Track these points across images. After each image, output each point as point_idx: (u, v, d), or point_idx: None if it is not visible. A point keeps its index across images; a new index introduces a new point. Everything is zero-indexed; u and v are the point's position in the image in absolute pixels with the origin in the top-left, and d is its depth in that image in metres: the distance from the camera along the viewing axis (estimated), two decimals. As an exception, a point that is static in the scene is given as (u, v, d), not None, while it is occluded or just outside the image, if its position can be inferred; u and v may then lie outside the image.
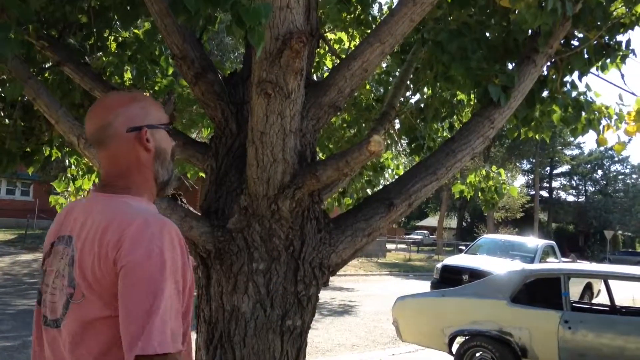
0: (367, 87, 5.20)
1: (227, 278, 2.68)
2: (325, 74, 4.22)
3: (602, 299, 11.56)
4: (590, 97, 3.53)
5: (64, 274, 1.35)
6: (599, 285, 12.75)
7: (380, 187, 4.48)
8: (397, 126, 4.77)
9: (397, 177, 4.51)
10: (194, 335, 2.83)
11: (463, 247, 18.24)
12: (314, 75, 4.38)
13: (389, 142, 4.76)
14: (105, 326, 1.29)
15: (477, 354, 6.01)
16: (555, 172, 56.86)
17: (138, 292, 1.24)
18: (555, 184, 57.98)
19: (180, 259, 1.32)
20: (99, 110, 1.47)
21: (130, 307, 1.23)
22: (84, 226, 1.36)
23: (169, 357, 1.23)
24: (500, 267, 10.80)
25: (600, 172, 56.98)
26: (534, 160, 49.47)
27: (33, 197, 31.01)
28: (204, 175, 3.98)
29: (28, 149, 3.62)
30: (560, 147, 49.91)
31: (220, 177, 2.87)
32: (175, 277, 1.29)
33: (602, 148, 56.04)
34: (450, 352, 6.28)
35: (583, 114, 3.48)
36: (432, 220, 55.74)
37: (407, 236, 47.39)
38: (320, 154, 4.71)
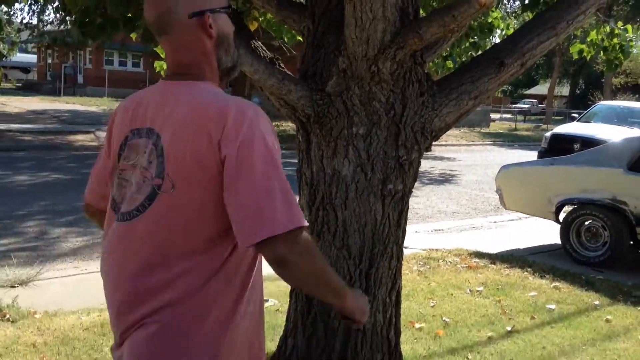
0: None
1: (327, 142, 2.66)
2: None
3: None
4: None
5: (148, 166, 1.31)
6: None
7: (488, 49, 4.15)
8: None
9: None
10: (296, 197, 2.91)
11: (575, 116, 17.19)
12: None
13: (499, -4, 4.35)
14: (208, 213, 1.28)
15: (587, 222, 5.81)
16: (688, 29, 50.84)
17: (254, 176, 1.23)
18: (687, 43, 52.10)
19: (277, 140, 1.32)
20: None
21: (247, 192, 1.22)
22: (168, 116, 1.32)
23: (304, 230, 1.24)
24: (617, 135, 10.09)
25: None
26: (663, 18, 44.26)
27: (143, 69, 32.49)
28: (301, 39, 3.87)
29: (130, 15, 3.63)
30: (697, 2, 44.04)
31: (318, 38, 2.75)
32: (279, 159, 1.28)
33: None
34: (557, 221, 6.12)
35: None
36: (541, 89, 52.61)
37: (514, 105, 45.31)
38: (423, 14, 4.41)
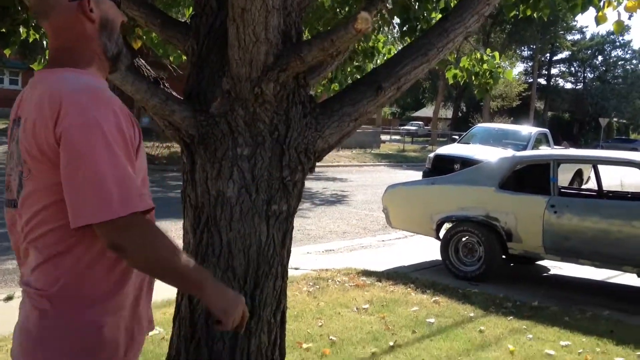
0: (360, -35, 4.89)
1: (212, 163, 2.64)
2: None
3: (591, 185, 11.75)
4: (593, -28, 3.32)
5: (15, 154, 1.37)
6: (588, 172, 12.92)
7: (371, 72, 4.33)
8: (390, 7, 4.54)
9: (388, 62, 4.34)
10: (181, 222, 2.84)
11: (457, 137, 18.28)
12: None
13: (381, 23, 4.55)
14: (50, 193, 1.31)
15: (464, 239, 6.17)
16: (555, 58, 56.01)
17: (82, 161, 1.24)
18: (554, 71, 57.43)
19: (123, 123, 1.31)
20: None
21: (75, 177, 1.24)
22: (27, 104, 1.36)
23: (140, 216, 1.27)
24: (492, 155, 10.85)
25: (600, 57, 56.23)
26: (534, 46, 48.43)
27: (22, 86, 30.54)
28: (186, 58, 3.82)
29: (3, 30, 3.46)
30: (562, 32, 48.67)
31: (202, 58, 2.74)
32: (121, 144, 1.28)
33: (604, 32, 54.75)
34: (438, 238, 6.44)
35: (584, -10, 3.30)
36: (427, 111, 55.51)
37: (402, 127, 47.37)
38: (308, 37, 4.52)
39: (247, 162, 2.62)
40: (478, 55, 4.56)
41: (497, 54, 4.63)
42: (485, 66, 4.50)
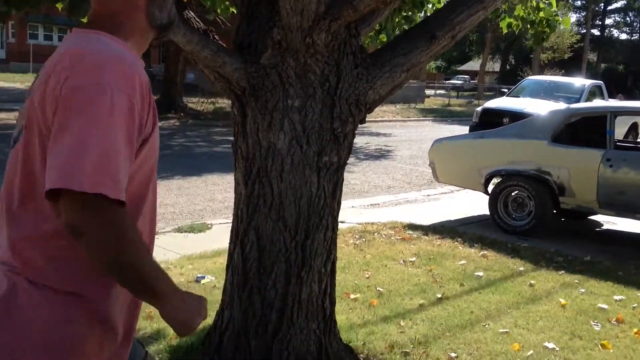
0: None
1: (263, 115, 2.64)
2: None
3: (646, 141, 11.29)
4: None
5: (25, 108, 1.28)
6: (646, 126, 12.42)
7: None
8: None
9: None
10: (227, 176, 2.86)
11: (505, 91, 17.79)
12: None
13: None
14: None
15: (513, 193, 6.06)
16: (609, 8, 53.33)
17: (76, 120, 1.11)
18: (608, 21, 54.80)
19: (138, 103, 1.18)
20: None
21: (61, 140, 1.11)
22: (48, 62, 1.27)
23: (113, 204, 1.11)
24: (543, 109, 10.52)
25: (658, 6, 53.23)
26: (587, -5, 46.17)
27: (70, 44, 31.10)
28: (235, 11, 3.80)
29: (54, -15, 3.49)
30: (618, -20, 46.19)
31: (252, 9, 2.71)
32: (126, 121, 1.15)
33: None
34: (486, 192, 6.35)
35: None
36: (473, 65, 53.93)
37: (447, 81, 46.32)
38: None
39: (297, 113, 2.62)
40: (534, 3, 4.37)
41: (554, 1, 4.42)
42: (541, 14, 4.31)
